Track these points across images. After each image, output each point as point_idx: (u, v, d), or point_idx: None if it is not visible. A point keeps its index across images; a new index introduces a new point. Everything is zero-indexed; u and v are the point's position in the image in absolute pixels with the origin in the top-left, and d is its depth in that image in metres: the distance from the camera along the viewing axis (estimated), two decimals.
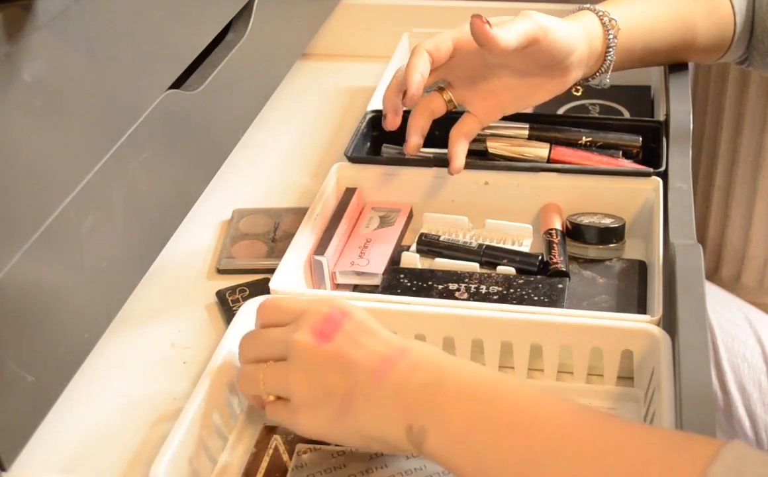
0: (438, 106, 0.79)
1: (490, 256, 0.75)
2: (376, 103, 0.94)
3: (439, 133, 0.81)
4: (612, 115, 0.96)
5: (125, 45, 0.69)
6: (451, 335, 0.66)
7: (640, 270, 0.75)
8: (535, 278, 0.72)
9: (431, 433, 0.49)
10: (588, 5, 0.82)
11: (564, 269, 0.74)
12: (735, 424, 0.91)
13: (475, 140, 0.81)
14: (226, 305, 0.76)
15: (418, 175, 0.83)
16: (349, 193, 0.83)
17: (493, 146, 0.85)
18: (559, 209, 0.80)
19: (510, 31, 0.71)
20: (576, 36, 0.77)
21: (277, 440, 0.61)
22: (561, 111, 0.97)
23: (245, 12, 0.91)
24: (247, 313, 0.68)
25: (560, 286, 0.71)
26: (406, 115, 0.79)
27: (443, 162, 0.82)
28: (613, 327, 0.64)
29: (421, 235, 0.79)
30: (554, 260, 0.74)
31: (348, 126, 1.00)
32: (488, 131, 0.85)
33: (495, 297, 0.70)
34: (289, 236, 0.77)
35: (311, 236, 0.77)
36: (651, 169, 0.80)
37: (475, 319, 0.66)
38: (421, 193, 0.83)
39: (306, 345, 0.55)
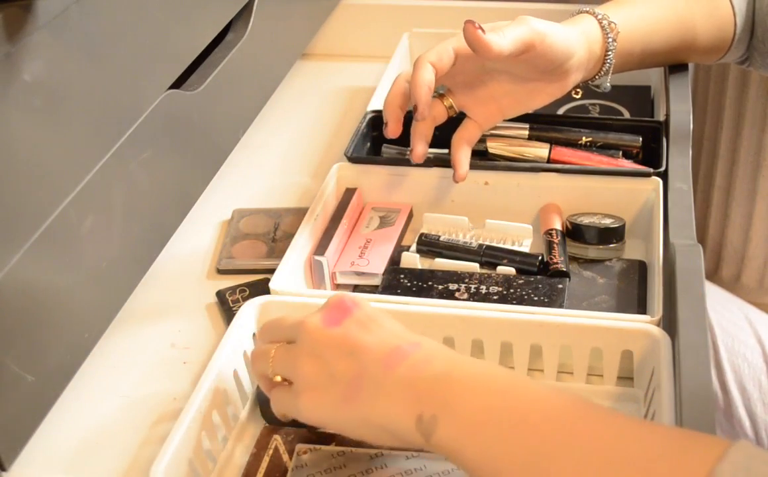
0: (439, 113, 0.79)
1: (490, 256, 0.75)
2: (376, 103, 0.94)
3: (440, 133, 0.81)
4: (612, 116, 0.96)
5: (125, 45, 0.69)
6: (451, 335, 0.66)
7: (640, 270, 0.75)
8: (535, 279, 0.72)
9: (441, 423, 0.49)
10: (587, 8, 0.82)
11: (564, 269, 0.74)
12: (735, 424, 0.91)
13: (476, 142, 0.81)
14: (226, 305, 0.76)
15: (418, 175, 0.83)
16: (349, 193, 0.83)
17: (493, 146, 0.85)
18: (559, 209, 0.80)
19: (504, 36, 0.71)
20: (574, 40, 0.77)
21: (277, 440, 0.61)
22: (561, 111, 0.97)
23: (245, 12, 0.91)
24: (247, 313, 0.68)
25: (560, 286, 0.71)
26: (408, 120, 0.78)
27: (443, 162, 0.82)
28: (613, 327, 0.64)
29: (421, 235, 0.79)
30: (554, 260, 0.74)
31: (348, 126, 1.00)
32: (488, 131, 0.85)
33: (495, 297, 0.70)
34: (289, 236, 0.77)
35: (311, 236, 0.77)
36: (651, 170, 0.80)
37: (475, 319, 0.66)
38: (421, 193, 0.83)
39: (314, 328, 0.55)
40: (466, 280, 0.73)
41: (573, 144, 0.85)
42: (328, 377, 0.53)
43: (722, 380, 0.92)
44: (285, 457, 0.60)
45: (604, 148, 0.85)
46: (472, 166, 0.80)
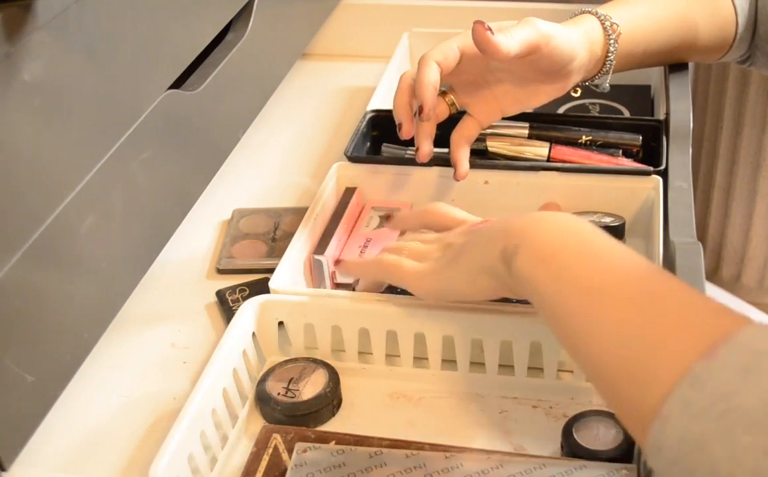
0: (442, 111, 0.79)
1: None
2: (376, 103, 0.94)
3: (439, 132, 0.81)
4: (612, 115, 0.96)
5: (125, 45, 0.69)
6: (451, 334, 0.66)
7: None
8: None
9: (522, 251, 0.55)
10: (589, 8, 0.82)
11: None
12: None
13: (475, 139, 0.81)
14: (226, 305, 0.76)
15: (418, 174, 0.83)
16: (349, 192, 0.83)
17: (493, 145, 0.85)
18: (559, 208, 0.80)
19: (512, 37, 0.71)
20: (577, 42, 0.77)
21: (276, 439, 0.61)
22: (561, 110, 0.97)
23: (245, 12, 0.91)
24: (247, 312, 0.68)
25: None
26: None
27: (443, 161, 0.82)
28: None
29: None
30: None
31: (348, 126, 1.00)
32: (488, 130, 0.85)
33: None
34: (289, 236, 0.77)
35: (311, 236, 0.77)
36: (651, 168, 0.80)
37: (475, 318, 0.66)
38: (421, 192, 0.83)
39: (449, 233, 0.65)
40: None
41: (573, 143, 0.85)
42: (443, 249, 0.64)
43: None
44: (284, 456, 0.60)
45: (604, 147, 0.85)
46: (472, 166, 0.80)
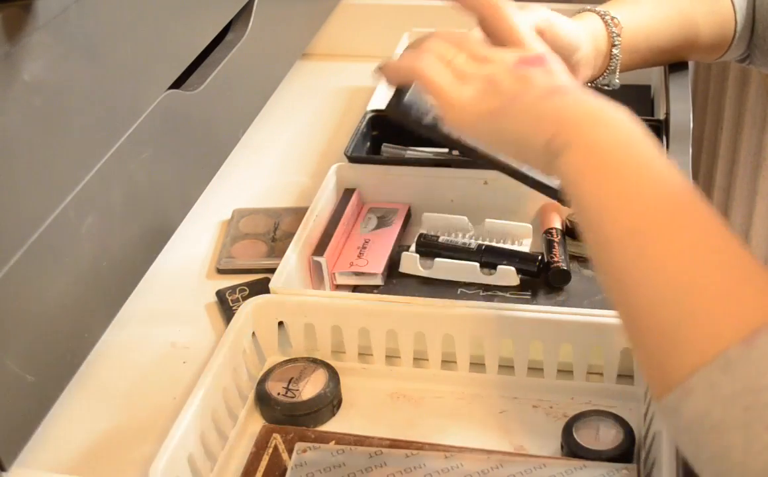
0: None
1: (489, 256, 0.75)
2: (376, 103, 0.94)
3: None
4: None
5: (125, 45, 0.69)
6: (451, 333, 0.66)
7: None
8: None
9: (573, 150, 0.50)
10: (588, 7, 0.82)
11: (565, 268, 0.74)
12: None
13: None
14: (226, 305, 0.76)
15: (417, 174, 0.83)
16: (348, 193, 0.83)
17: None
18: (558, 208, 0.80)
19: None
20: (579, 33, 0.77)
21: (276, 439, 0.61)
22: None
23: (245, 12, 0.91)
24: (247, 312, 0.68)
25: None
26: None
27: (443, 162, 0.82)
28: (613, 325, 0.64)
29: (421, 235, 0.79)
30: (555, 259, 0.74)
31: (348, 126, 1.00)
32: None
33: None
34: (289, 236, 0.77)
35: (311, 236, 0.77)
36: None
37: (475, 318, 0.66)
38: (420, 192, 0.83)
39: (504, 61, 0.57)
40: None
41: None
42: (493, 92, 0.56)
43: None
44: (284, 455, 0.60)
45: None
46: (472, 166, 0.80)
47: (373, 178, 0.84)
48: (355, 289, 0.76)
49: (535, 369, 0.67)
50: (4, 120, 0.56)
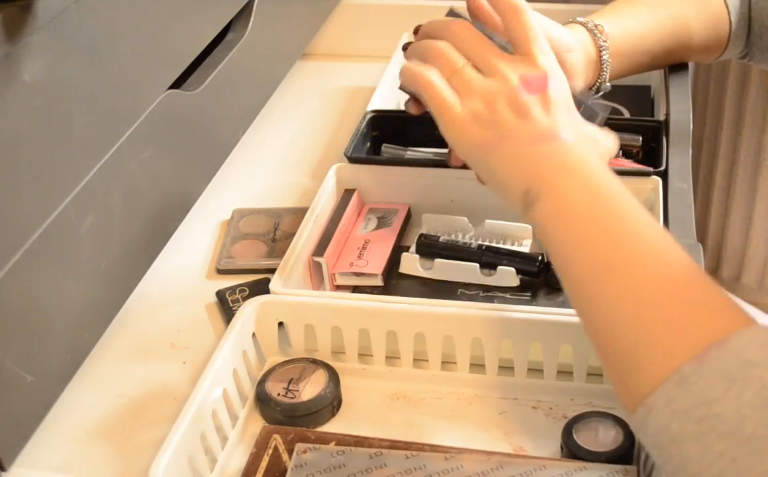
0: None
1: (490, 257, 0.75)
2: (376, 103, 0.94)
3: (439, 132, 0.81)
4: (612, 115, 0.96)
5: (125, 45, 0.69)
6: (451, 334, 0.66)
7: None
8: None
9: (543, 201, 0.55)
10: (571, 18, 0.83)
11: None
12: None
13: None
14: (226, 305, 0.76)
15: (417, 175, 0.83)
16: (348, 194, 0.83)
17: None
18: None
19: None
20: (569, 37, 0.77)
21: (276, 440, 0.61)
22: None
23: (245, 12, 0.91)
24: (247, 312, 0.68)
25: None
26: (403, 120, 0.78)
27: (443, 163, 0.82)
28: None
29: (421, 235, 0.79)
30: None
31: (348, 126, 1.00)
32: None
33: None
34: (289, 236, 0.77)
35: (310, 237, 0.77)
36: (651, 169, 0.80)
37: (475, 319, 0.66)
38: (420, 193, 0.83)
39: (511, 84, 0.59)
40: None
41: None
42: (487, 118, 0.58)
43: None
44: (285, 456, 0.60)
45: None
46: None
47: (373, 178, 0.84)
48: (355, 289, 0.76)
49: (535, 370, 0.67)
50: (4, 120, 0.56)
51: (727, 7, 0.87)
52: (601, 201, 0.53)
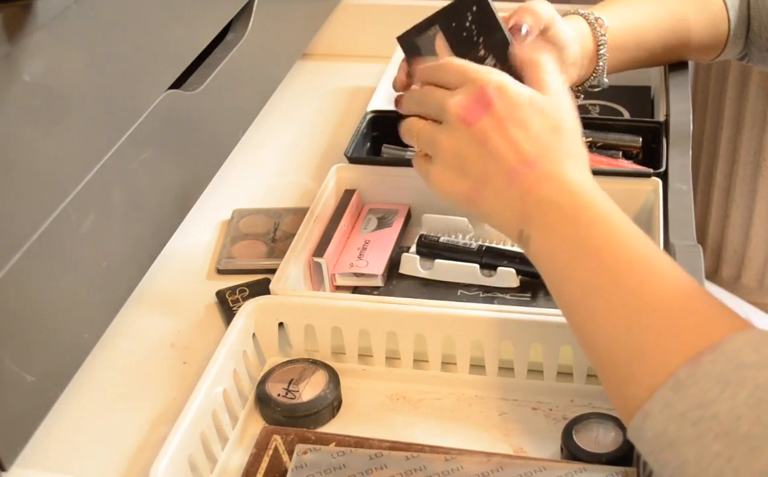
0: None
1: (490, 257, 0.75)
2: (376, 104, 0.94)
3: None
4: (612, 116, 0.96)
5: (125, 45, 0.69)
6: (451, 335, 0.66)
7: None
8: None
9: (533, 240, 0.56)
10: (572, 10, 0.83)
11: None
12: None
13: None
14: (226, 305, 0.76)
15: (417, 175, 0.83)
16: (348, 194, 0.83)
17: None
18: None
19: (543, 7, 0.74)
20: (570, 33, 0.77)
21: (276, 440, 0.61)
22: None
23: (245, 12, 0.91)
24: (247, 313, 0.68)
25: None
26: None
27: None
28: None
29: (421, 236, 0.79)
30: None
31: (348, 126, 1.00)
32: None
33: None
34: (289, 236, 0.77)
35: (311, 237, 0.77)
36: (651, 170, 0.80)
37: (475, 320, 0.66)
38: (420, 193, 0.83)
39: (456, 118, 0.60)
40: None
41: None
42: (459, 169, 0.60)
43: None
44: (285, 457, 0.60)
45: (604, 149, 0.85)
46: None
47: (374, 178, 0.84)
48: (355, 290, 0.76)
49: (535, 371, 0.66)
50: (4, 120, 0.56)
51: (726, 6, 0.88)
52: (581, 226, 0.54)
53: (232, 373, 0.65)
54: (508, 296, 0.74)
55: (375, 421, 0.65)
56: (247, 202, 0.91)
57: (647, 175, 0.79)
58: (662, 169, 0.79)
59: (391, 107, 0.79)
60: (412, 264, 0.77)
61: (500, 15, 0.67)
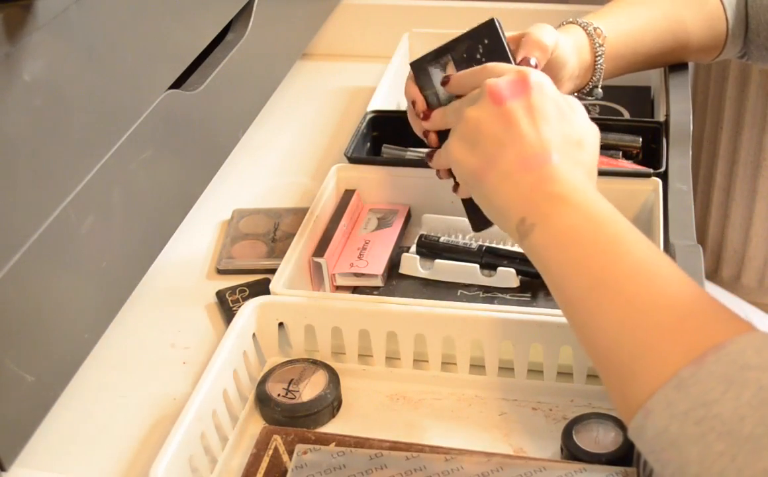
0: None
1: (490, 257, 0.75)
2: (376, 104, 0.94)
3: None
4: (612, 116, 0.96)
5: (125, 45, 0.69)
6: (451, 335, 0.66)
7: None
8: None
9: (537, 230, 0.56)
10: (571, 19, 0.82)
11: None
12: None
13: None
14: (226, 305, 0.76)
15: (417, 175, 0.83)
16: (348, 194, 0.83)
17: None
18: None
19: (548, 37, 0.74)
20: (569, 50, 0.77)
21: (277, 440, 0.61)
22: None
23: (245, 12, 0.91)
24: (247, 313, 0.68)
25: None
26: (403, 121, 0.77)
27: None
28: None
29: (421, 236, 0.79)
30: None
31: (348, 126, 1.00)
32: None
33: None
34: (289, 236, 0.77)
35: (311, 237, 0.77)
36: (651, 170, 0.80)
37: (475, 320, 0.66)
38: (420, 193, 0.83)
39: (489, 94, 0.60)
40: None
41: None
42: (475, 142, 0.60)
43: None
44: (285, 457, 0.60)
45: (604, 149, 0.85)
46: None
47: (374, 179, 0.84)
48: (355, 290, 0.76)
49: (535, 371, 0.67)
50: (4, 120, 0.56)
51: (723, 6, 0.88)
52: (593, 223, 0.54)
53: (232, 373, 0.65)
54: (508, 296, 0.74)
55: (375, 421, 0.65)
56: (247, 202, 0.91)
57: (647, 175, 0.79)
58: (662, 169, 0.79)
59: (391, 107, 0.80)
60: (412, 264, 0.77)
61: (510, 46, 0.69)
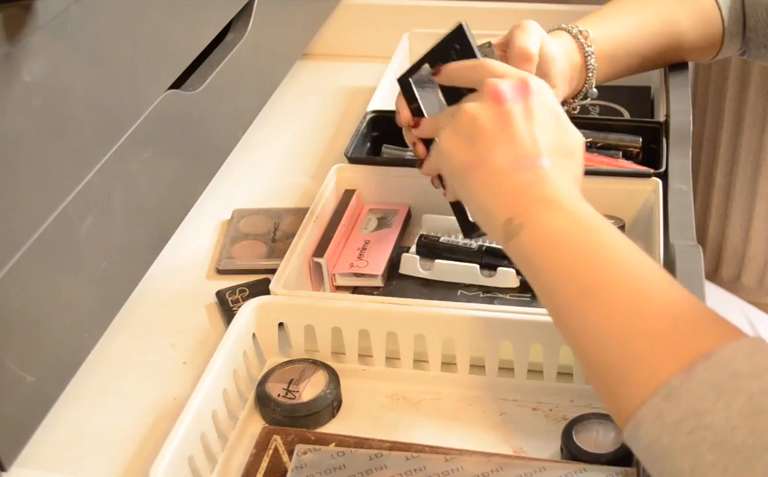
0: None
1: (490, 257, 0.75)
2: (376, 104, 0.94)
3: None
4: (612, 116, 0.96)
5: (125, 45, 0.69)
6: (451, 335, 0.66)
7: None
8: None
9: (525, 231, 0.55)
10: (558, 26, 0.83)
11: None
12: None
13: None
14: (226, 305, 0.76)
15: (417, 175, 0.83)
16: (348, 194, 0.83)
17: None
18: None
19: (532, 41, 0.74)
20: (555, 47, 0.78)
21: (276, 441, 0.61)
22: None
23: (245, 12, 0.91)
24: (247, 313, 0.68)
25: None
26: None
27: None
28: None
29: (421, 236, 0.79)
30: None
31: (348, 126, 1.00)
32: None
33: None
34: (289, 236, 0.77)
35: (311, 237, 0.77)
36: (651, 170, 0.80)
37: (475, 320, 0.66)
38: (420, 193, 0.83)
39: (489, 93, 0.60)
40: None
41: None
42: (469, 138, 0.60)
43: None
44: (285, 457, 0.60)
45: (605, 149, 0.85)
46: None
47: (374, 179, 0.84)
48: (355, 290, 0.76)
49: (535, 371, 0.66)
50: (4, 120, 0.56)
51: (718, 5, 0.87)
52: (581, 228, 0.54)
53: (232, 373, 0.65)
54: (508, 296, 0.74)
55: (375, 421, 0.65)
56: (247, 202, 0.91)
57: (647, 176, 0.79)
58: (662, 170, 0.79)
59: (391, 107, 0.79)
60: (412, 264, 0.77)
61: (478, 47, 0.70)
